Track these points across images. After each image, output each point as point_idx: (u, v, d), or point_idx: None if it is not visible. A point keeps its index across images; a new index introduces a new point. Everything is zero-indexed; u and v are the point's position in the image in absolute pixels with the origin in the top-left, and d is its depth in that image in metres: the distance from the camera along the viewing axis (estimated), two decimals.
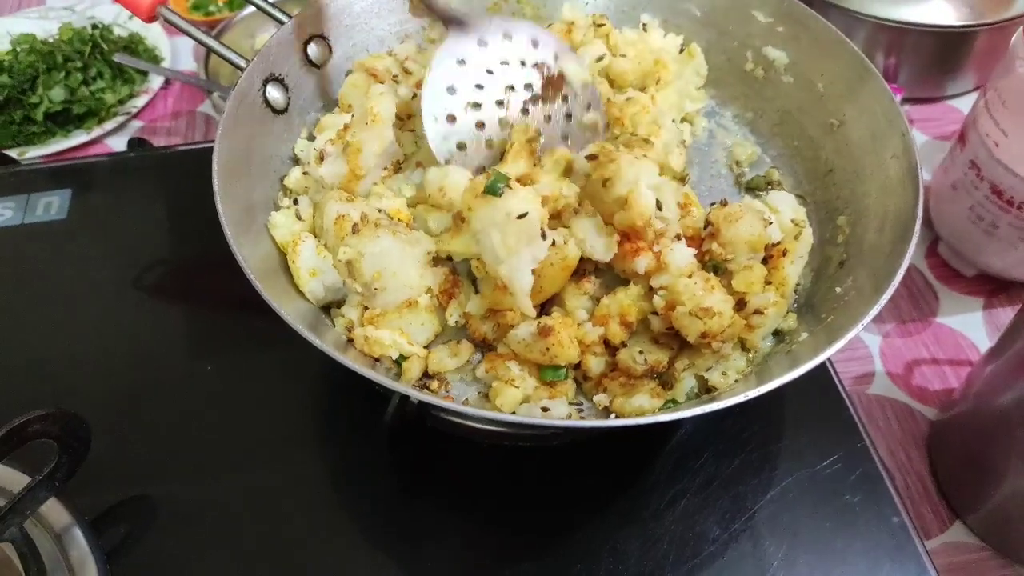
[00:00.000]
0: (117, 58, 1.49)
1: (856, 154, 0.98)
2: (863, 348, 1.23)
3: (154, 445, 0.97)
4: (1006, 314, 1.27)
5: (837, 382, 1.02)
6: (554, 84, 0.97)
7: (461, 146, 0.93)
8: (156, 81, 1.62)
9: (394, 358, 0.85)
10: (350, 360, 0.72)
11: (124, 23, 1.69)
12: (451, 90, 0.93)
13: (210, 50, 1.02)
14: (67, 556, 0.82)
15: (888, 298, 0.76)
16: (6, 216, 1.20)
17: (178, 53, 1.72)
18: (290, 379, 1.03)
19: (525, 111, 0.95)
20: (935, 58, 1.52)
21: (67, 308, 1.11)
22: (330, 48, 1.07)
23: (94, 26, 1.62)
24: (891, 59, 1.52)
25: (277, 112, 0.99)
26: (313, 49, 1.04)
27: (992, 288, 1.30)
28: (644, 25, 1.14)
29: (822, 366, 1.01)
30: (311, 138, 1.03)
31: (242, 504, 0.92)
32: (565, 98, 0.98)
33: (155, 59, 1.67)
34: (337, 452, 0.98)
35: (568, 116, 0.98)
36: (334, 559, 0.89)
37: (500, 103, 0.94)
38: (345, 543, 0.90)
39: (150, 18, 1.02)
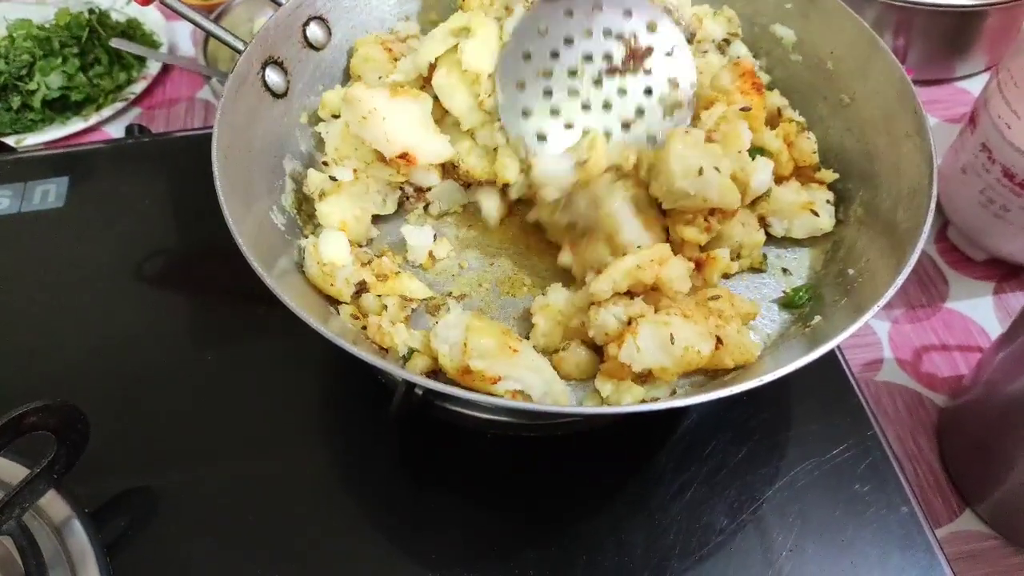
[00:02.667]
0: (114, 43, 1.47)
1: (867, 133, 0.97)
2: (871, 334, 1.21)
3: (154, 436, 0.96)
4: (1016, 299, 1.26)
5: (846, 369, 1.01)
6: (637, 56, 0.93)
7: (527, 112, 0.92)
8: (154, 67, 1.60)
9: (402, 353, 0.83)
10: (357, 348, 0.71)
11: (121, 8, 1.67)
12: (527, 56, 0.92)
13: (208, 34, 1.00)
14: (67, 549, 0.81)
15: (904, 279, 0.75)
16: (3, 205, 1.19)
17: (176, 38, 1.70)
18: (293, 368, 1.01)
19: (599, 82, 0.92)
20: (945, 39, 1.50)
21: (65, 298, 1.09)
22: (329, 30, 1.05)
23: (91, 11, 1.60)
24: (900, 40, 1.50)
25: (277, 96, 0.97)
26: (312, 31, 1.02)
27: (1003, 273, 1.29)
28: None
29: (831, 353, 1.00)
30: (311, 121, 1.01)
31: (244, 495, 0.91)
32: (648, 71, 0.93)
33: (153, 44, 1.65)
34: (342, 441, 0.97)
35: (648, 91, 0.93)
36: (338, 548, 0.88)
37: (573, 73, 0.92)
38: (350, 533, 0.89)
39: (146, 1, 1.01)
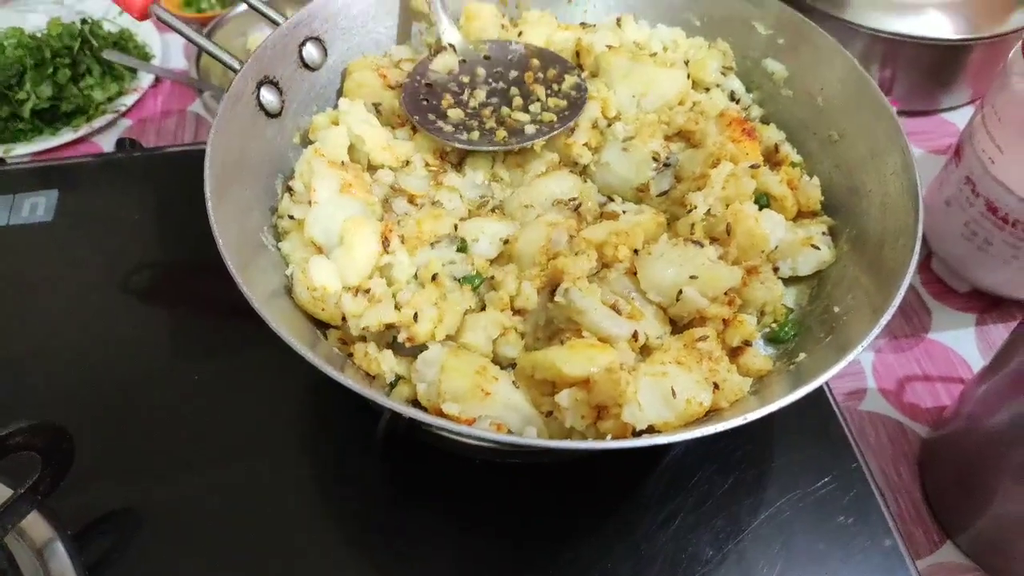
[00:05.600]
0: (107, 55, 1.47)
1: (855, 170, 0.98)
2: (855, 364, 1.22)
3: (139, 455, 0.95)
4: (998, 331, 1.27)
5: (831, 400, 1.02)
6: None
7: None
8: (146, 79, 1.59)
9: (389, 380, 0.83)
10: (344, 376, 0.71)
11: (114, 18, 1.66)
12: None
13: (202, 50, 1.00)
14: (48, 571, 0.80)
15: (889, 319, 0.75)
16: None
17: (169, 50, 1.69)
18: (279, 386, 1.01)
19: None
20: (930, 71, 1.52)
21: (52, 313, 1.08)
22: (326, 51, 1.05)
23: (83, 21, 1.59)
24: (886, 71, 1.52)
25: (271, 116, 0.97)
26: (309, 51, 1.03)
27: (984, 304, 1.30)
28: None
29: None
30: (304, 142, 1.01)
31: (229, 516, 0.91)
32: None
33: (145, 56, 1.65)
34: (327, 462, 0.96)
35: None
36: (323, 570, 0.87)
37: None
38: (334, 555, 0.89)
39: (143, 16, 1.00)
